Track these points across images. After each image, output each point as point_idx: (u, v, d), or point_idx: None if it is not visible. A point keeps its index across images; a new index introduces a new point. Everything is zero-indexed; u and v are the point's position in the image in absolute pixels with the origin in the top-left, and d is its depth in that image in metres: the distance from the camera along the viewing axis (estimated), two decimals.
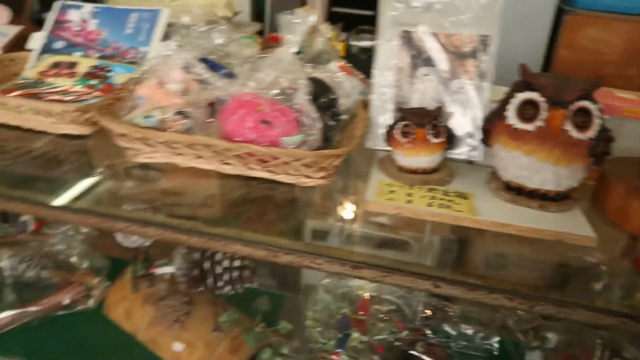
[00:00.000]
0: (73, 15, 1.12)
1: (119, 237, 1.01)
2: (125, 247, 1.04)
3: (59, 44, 1.09)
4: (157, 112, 0.74)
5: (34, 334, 1.00)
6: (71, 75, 1.01)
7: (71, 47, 1.09)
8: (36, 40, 1.08)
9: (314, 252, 0.60)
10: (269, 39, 1.21)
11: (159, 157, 0.76)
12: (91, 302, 0.98)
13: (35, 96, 0.93)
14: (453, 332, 0.93)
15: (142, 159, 0.77)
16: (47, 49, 1.08)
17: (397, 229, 0.69)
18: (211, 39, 0.97)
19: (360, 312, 0.95)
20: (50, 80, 0.99)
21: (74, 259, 1.08)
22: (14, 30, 1.11)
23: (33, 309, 0.98)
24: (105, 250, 1.10)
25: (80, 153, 0.85)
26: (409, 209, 0.69)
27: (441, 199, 0.71)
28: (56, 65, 1.02)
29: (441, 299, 0.96)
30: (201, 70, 0.88)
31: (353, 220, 0.70)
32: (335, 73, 0.93)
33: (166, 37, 1.08)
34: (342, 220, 0.71)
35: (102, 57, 1.06)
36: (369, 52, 1.77)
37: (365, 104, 0.89)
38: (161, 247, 1.01)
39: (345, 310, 0.95)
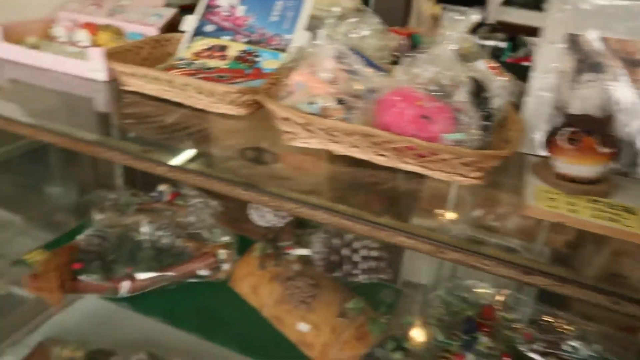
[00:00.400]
0: (222, 1, 1.18)
1: (254, 216, 1.06)
2: (254, 225, 1.08)
3: (209, 27, 1.15)
4: (319, 100, 0.77)
5: (169, 297, 1.07)
6: (222, 57, 1.06)
7: (220, 31, 1.14)
8: (189, 22, 1.15)
9: (482, 253, 0.60)
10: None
11: (314, 143, 0.79)
12: (222, 274, 1.04)
13: (193, 76, 0.98)
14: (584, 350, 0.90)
15: (297, 143, 0.80)
16: (198, 32, 1.14)
17: (558, 237, 0.67)
18: (356, 30, 0.98)
19: (484, 317, 0.94)
20: (203, 61, 1.05)
21: (204, 232, 1.14)
22: (170, 12, 1.18)
23: (169, 274, 1.05)
24: (232, 225, 1.15)
25: (235, 132, 0.89)
26: (573, 219, 0.67)
27: (607, 212, 0.68)
28: (209, 47, 1.08)
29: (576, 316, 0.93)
30: (351, 60, 0.89)
31: (513, 224, 0.69)
32: (485, 72, 0.92)
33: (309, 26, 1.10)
34: (502, 222, 0.70)
35: (249, 42, 1.11)
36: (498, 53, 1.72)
37: (515, 106, 0.86)
38: (289, 230, 1.05)
39: (469, 313, 0.93)
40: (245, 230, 1.15)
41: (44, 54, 1.06)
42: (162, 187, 1.24)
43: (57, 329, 1.31)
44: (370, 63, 0.93)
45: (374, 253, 0.91)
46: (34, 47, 1.12)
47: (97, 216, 1.19)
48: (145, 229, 1.15)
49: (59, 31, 1.17)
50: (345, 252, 0.91)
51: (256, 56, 1.07)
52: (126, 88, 0.99)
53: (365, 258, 0.90)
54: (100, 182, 1.48)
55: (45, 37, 1.16)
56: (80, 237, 1.13)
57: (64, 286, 1.00)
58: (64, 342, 1.19)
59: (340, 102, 0.76)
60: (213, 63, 1.05)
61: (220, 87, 0.87)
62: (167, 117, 0.92)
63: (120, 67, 0.96)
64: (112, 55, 0.98)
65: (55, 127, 0.86)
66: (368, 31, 0.98)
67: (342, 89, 0.83)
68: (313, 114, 0.76)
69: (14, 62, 1.10)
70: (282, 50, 1.10)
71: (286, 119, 0.77)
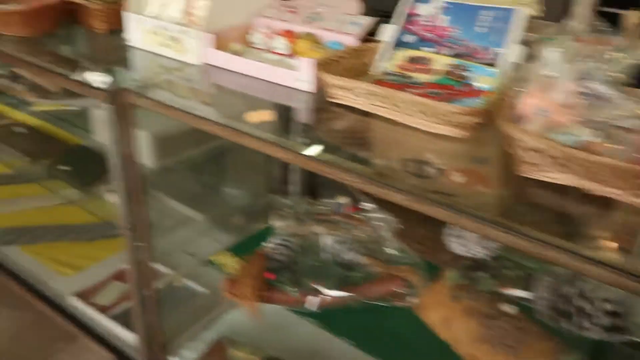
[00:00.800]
0: (422, 9, 1.12)
1: (452, 242, 0.99)
2: (444, 251, 1.01)
3: (409, 38, 1.09)
4: (574, 130, 0.67)
5: (352, 316, 1.04)
6: (427, 71, 1.00)
7: (421, 42, 1.08)
8: (388, 32, 1.10)
9: None
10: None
11: (565, 179, 0.69)
12: (411, 300, 0.99)
13: (402, 90, 0.93)
14: None
15: (540, 176, 0.71)
16: (398, 42, 1.09)
17: None
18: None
19: None
20: (410, 74, 1.00)
21: (385, 250, 1.10)
22: (368, 20, 1.14)
23: (356, 293, 1.02)
24: (416, 247, 1.09)
25: (455, 155, 0.83)
26: None
27: None
28: (412, 59, 1.03)
29: None
30: (594, 84, 0.78)
31: None
32: None
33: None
34: None
35: (454, 55, 1.04)
36: None
37: None
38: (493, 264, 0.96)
39: None
40: (429, 253, 1.08)
41: (251, 61, 1.08)
42: (342, 199, 1.21)
43: (229, 328, 1.35)
44: (609, 85, 0.81)
45: (613, 307, 0.80)
46: (238, 53, 1.14)
47: (277, 223, 1.19)
48: (327, 241, 1.13)
49: (257, 38, 1.18)
50: (577, 302, 0.81)
51: (466, 71, 0.99)
52: (333, 100, 0.96)
53: (602, 312, 0.79)
54: (273, 188, 1.50)
55: (243, 44, 1.18)
56: (267, 245, 1.14)
57: (259, 295, 1.00)
58: (239, 344, 1.22)
59: (602, 133, 0.66)
60: (420, 77, 0.99)
61: (446, 106, 0.81)
62: (378, 134, 0.88)
63: (330, 79, 0.94)
64: (322, 65, 0.96)
65: (263, 134, 0.86)
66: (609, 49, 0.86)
67: (590, 116, 0.73)
68: (572, 147, 0.66)
69: (221, 68, 1.13)
70: (492, 65, 1.02)
71: (536, 150, 0.68)
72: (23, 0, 1.27)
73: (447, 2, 1.13)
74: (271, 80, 1.07)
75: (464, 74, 0.99)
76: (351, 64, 1.06)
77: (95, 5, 1.28)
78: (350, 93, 0.94)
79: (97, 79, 1.02)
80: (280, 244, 1.14)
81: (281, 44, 1.16)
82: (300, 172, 1.44)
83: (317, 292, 1.02)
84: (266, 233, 1.19)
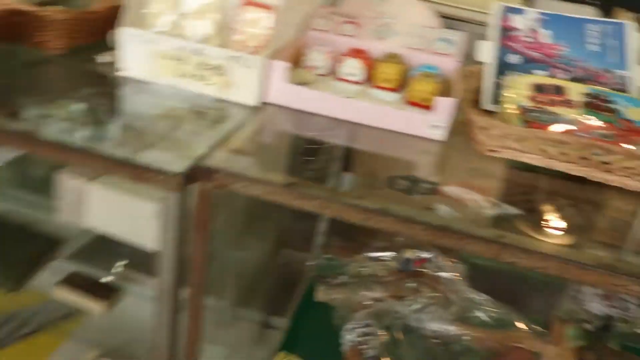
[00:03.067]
0: (518, 22, 0.93)
1: (590, 303, 0.85)
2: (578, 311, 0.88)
3: (513, 58, 0.91)
4: None
5: None
6: (567, 104, 0.83)
7: (529, 63, 0.91)
8: (486, 50, 0.90)
9: None
10: None
11: None
12: None
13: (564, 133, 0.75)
14: None
15: None
16: (502, 63, 0.90)
17: None
18: None
19: None
20: (550, 109, 0.81)
21: (477, 313, 0.93)
22: (460, 36, 0.93)
23: None
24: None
25: None
26: None
27: None
28: (539, 88, 0.84)
29: None
30: None
31: None
32: None
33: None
34: None
35: (575, 80, 0.88)
36: None
37: None
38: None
39: None
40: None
41: (357, 102, 0.79)
42: (408, 253, 1.00)
43: None
44: None
45: None
46: (304, 83, 0.84)
47: (323, 293, 0.95)
48: (401, 310, 0.91)
49: (316, 59, 0.89)
50: None
51: (608, 102, 0.84)
52: (491, 153, 0.74)
53: None
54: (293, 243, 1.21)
55: (296, 65, 0.88)
56: (349, 339, 0.88)
57: None
58: None
59: None
60: (566, 113, 0.82)
61: None
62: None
63: (483, 122, 0.72)
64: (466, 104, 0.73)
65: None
66: None
67: None
68: None
69: (290, 108, 0.82)
70: (622, 90, 0.88)
71: None
72: None
73: (544, 14, 0.96)
74: (381, 127, 0.79)
75: (611, 106, 0.84)
76: (465, 96, 0.84)
77: (54, 13, 0.84)
78: (513, 142, 0.73)
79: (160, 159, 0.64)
80: (364, 332, 0.90)
81: (355, 69, 0.88)
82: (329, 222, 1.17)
83: None
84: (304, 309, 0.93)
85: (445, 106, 0.75)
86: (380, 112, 0.78)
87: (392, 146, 0.78)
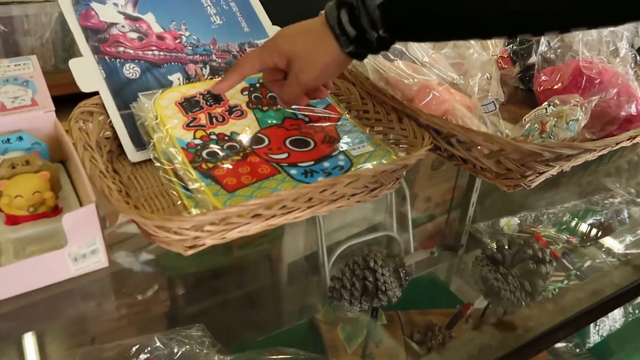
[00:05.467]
0: (106, 14, 0.62)
1: None
2: None
3: (129, 70, 0.61)
4: None
5: None
6: (235, 112, 0.61)
7: (151, 68, 0.63)
8: (86, 73, 0.57)
9: None
10: None
11: None
12: None
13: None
14: None
15: None
16: (116, 85, 0.59)
17: None
18: None
19: None
20: (222, 129, 0.58)
21: None
22: (34, 60, 0.56)
23: None
24: None
25: None
26: None
27: None
28: (189, 105, 0.59)
29: None
30: None
31: None
32: None
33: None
34: None
35: (213, 71, 0.66)
36: None
37: None
38: None
39: None
40: None
41: None
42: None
43: None
44: None
45: None
46: None
47: None
48: None
49: None
50: None
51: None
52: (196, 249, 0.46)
53: None
54: None
55: None
56: None
57: None
58: None
59: None
60: (243, 127, 0.59)
61: None
62: None
63: None
64: None
65: None
66: None
67: None
68: None
69: None
70: None
71: None
72: None
73: None
74: None
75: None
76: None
77: None
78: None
79: None
80: None
81: None
82: None
83: None
84: None
85: (80, 219, 0.40)
86: None
87: None
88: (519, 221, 0.94)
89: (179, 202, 0.48)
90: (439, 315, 0.80)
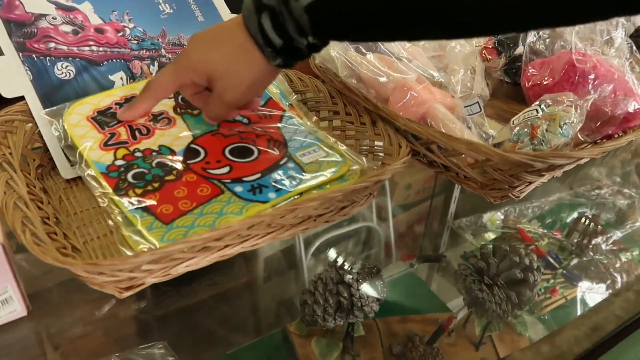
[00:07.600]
0: (35, 5, 0.54)
1: None
2: None
3: (60, 70, 0.53)
4: None
5: None
6: (170, 121, 0.53)
7: (89, 67, 0.55)
8: (3, 72, 0.49)
9: None
10: None
11: None
12: None
13: None
14: None
15: None
16: (47, 87, 0.51)
17: None
18: None
19: None
20: (150, 143, 0.51)
21: None
22: None
23: None
24: None
25: None
26: None
27: None
28: (107, 114, 0.52)
29: None
30: None
31: None
32: None
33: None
34: None
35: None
36: None
37: None
38: None
39: None
40: None
41: None
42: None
43: None
44: None
45: None
46: None
47: None
48: None
49: None
50: None
51: None
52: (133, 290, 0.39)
53: None
54: None
55: None
56: None
57: None
58: None
59: None
60: (173, 140, 0.52)
61: None
62: None
63: None
64: None
65: None
66: None
67: None
68: None
69: None
70: None
71: None
72: None
73: None
74: None
75: None
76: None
77: None
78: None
79: None
80: None
81: None
82: None
83: None
84: None
85: None
86: None
87: None
88: (502, 217, 0.90)
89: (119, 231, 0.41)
90: (420, 322, 0.75)
